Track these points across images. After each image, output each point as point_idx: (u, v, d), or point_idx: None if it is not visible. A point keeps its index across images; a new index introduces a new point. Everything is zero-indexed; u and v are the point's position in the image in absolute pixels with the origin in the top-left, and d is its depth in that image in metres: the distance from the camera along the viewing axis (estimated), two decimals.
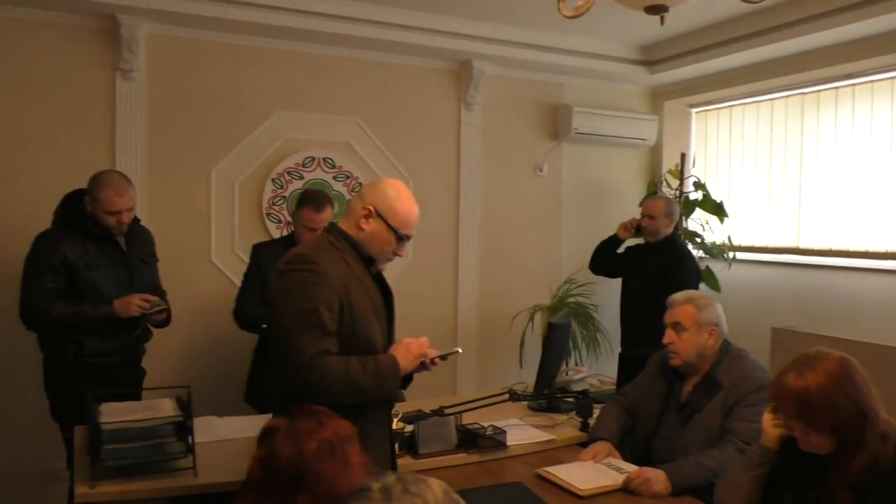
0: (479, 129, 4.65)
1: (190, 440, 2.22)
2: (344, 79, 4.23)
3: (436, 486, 0.99)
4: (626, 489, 2.16)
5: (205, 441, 2.41)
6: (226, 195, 3.99)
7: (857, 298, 4.06)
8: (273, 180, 4.08)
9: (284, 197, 4.10)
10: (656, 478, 2.15)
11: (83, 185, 3.66)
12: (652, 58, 4.75)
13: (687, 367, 2.43)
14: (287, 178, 4.11)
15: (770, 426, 1.89)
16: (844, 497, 1.69)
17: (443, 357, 2.07)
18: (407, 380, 2.03)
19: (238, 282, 4.00)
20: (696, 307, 2.43)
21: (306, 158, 4.15)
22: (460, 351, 2.21)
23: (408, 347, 1.95)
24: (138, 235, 3.02)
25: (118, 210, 2.78)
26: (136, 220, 2.99)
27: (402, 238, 1.98)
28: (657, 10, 1.59)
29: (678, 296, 2.52)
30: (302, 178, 4.14)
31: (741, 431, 2.19)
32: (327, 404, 1.49)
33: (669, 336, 2.43)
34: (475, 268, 4.70)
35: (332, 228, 2.00)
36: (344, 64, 4.22)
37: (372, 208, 1.94)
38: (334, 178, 4.23)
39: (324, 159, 4.20)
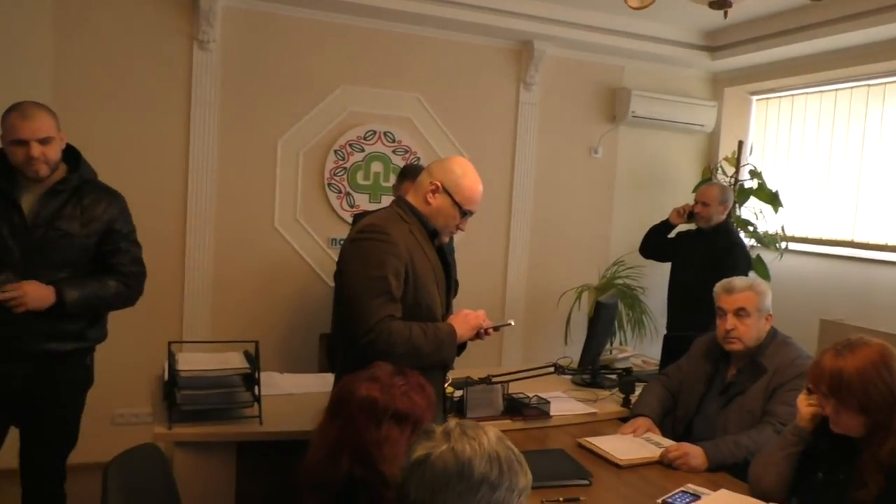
0: (537, 109, 4.72)
1: (256, 391, 2.40)
2: (407, 55, 4.34)
3: (490, 432, 1.12)
4: (664, 462, 2.27)
5: (268, 394, 2.59)
6: (290, 165, 4.17)
7: None
8: (335, 151, 4.23)
9: (346, 168, 4.26)
10: (694, 453, 2.25)
11: (159, 151, 3.91)
12: (714, 43, 4.73)
13: (742, 352, 2.50)
14: (349, 149, 4.26)
15: (804, 405, 1.96)
16: (875, 479, 1.77)
17: (496, 328, 2.21)
18: (461, 348, 2.17)
19: (300, 250, 4.21)
20: (757, 293, 2.49)
21: (368, 132, 4.29)
22: (512, 323, 2.33)
23: (465, 318, 2.09)
24: (88, 195, 2.40)
25: (24, 139, 2.22)
26: (94, 179, 2.48)
27: (465, 213, 2.10)
28: (722, 4, 1.66)
29: (739, 282, 2.56)
30: (363, 150, 4.29)
31: (781, 414, 2.26)
32: None
33: (732, 322, 2.47)
34: (526, 245, 4.79)
35: (401, 201, 2.13)
36: (408, 40, 4.33)
37: (439, 184, 2.07)
38: (393, 151, 4.36)
39: (384, 133, 4.33)
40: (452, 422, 1.13)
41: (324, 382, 2.99)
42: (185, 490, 2.06)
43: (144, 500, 1.90)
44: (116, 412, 3.84)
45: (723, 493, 2.02)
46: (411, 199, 2.13)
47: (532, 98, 4.68)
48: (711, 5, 1.68)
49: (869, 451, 1.79)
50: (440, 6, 4.07)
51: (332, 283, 4.02)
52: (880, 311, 4.12)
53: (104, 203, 2.44)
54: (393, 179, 4.34)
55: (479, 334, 2.14)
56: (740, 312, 2.49)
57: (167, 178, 3.91)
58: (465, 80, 4.52)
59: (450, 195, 2.07)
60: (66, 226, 2.35)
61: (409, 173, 3.31)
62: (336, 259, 4.11)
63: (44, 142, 2.27)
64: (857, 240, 4.41)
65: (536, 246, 4.82)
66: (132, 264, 2.49)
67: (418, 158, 4.35)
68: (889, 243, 4.23)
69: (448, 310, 2.19)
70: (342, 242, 4.14)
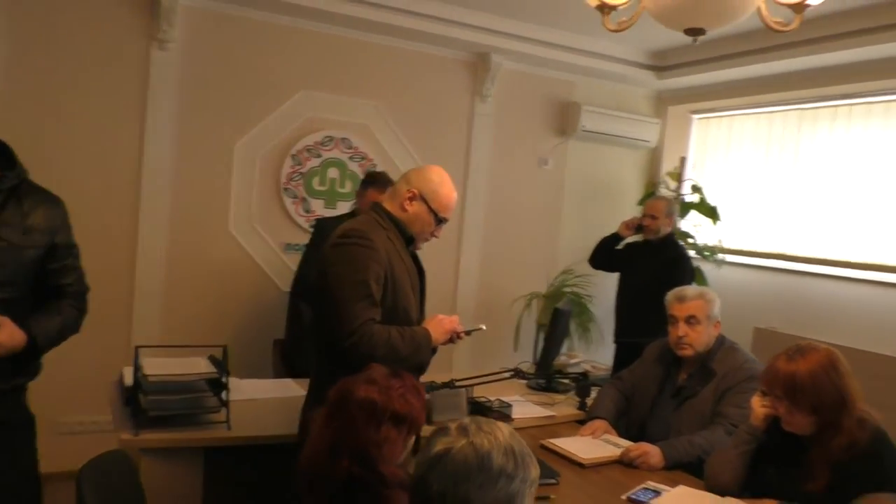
0: (491, 121, 4.83)
1: (224, 395, 2.40)
2: (367, 63, 4.39)
3: (503, 427, 1.19)
4: (624, 462, 2.38)
5: (232, 399, 2.59)
6: (247, 169, 4.14)
7: (836, 305, 4.32)
8: (292, 156, 4.23)
9: (302, 173, 4.26)
10: (653, 452, 2.37)
11: (112, 151, 3.82)
12: (660, 63, 4.95)
13: (693, 357, 2.64)
14: (306, 155, 4.27)
15: (758, 407, 2.11)
16: (823, 474, 1.92)
17: (468, 332, 2.28)
18: (433, 351, 2.23)
19: (254, 255, 4.19)
20: (707, 301, 2.64)
21: (325, 138, 4.31)
22: (484, 328, 2.41)
23: (440, 322, 2.16)
24: (27, 198, 2.02)
25: None
26: (29, 180, 2.08)
27: (441, 221, 2.17)
28: (696, 31, 1.78)
29: (690, 291, 2.71)
30: (320, 156, 4.30)
31: (731, 415, 2.41)
32: None
33: (683, 329, 2.61)
34: (477, 253, 4.89)
35: (378, 208, 2.18)
36: (368, 49, 4.37)
37: (416, 192, 2.13)
38: (350, 158, 4.39)
39: (342, 139, 4.36)
40: (466, 419, 1.19)
41: (284, 388, 3.01)
42: (151, 496, 2.05)
43: None
44: (60, 420, 3.72)
45: (681, 488, 2.15)
46: (387, 205, 2.19)
47: (487, 109, 4.79)
48: (687, 31, 1.80)
49: (818, 447, 1.94)
50: (400, 16, 4.13)
51: (286, 289, 4.01)
52: (810, 319, 4.39)
53: (44, 209, 2.06)
54: (349, 186, 4.38)
55: (451, 338, 2.21)
56: (691, 320, 2.63)
57: (120, 179, 3.83)
58: (423, 90, 4.59)
59: (426, 203, 2.14)
60: (7, 234, 1.95)
61: (374, 181, 3.36)
62: (290, 264, 4.14)
63: None
64: (789, 253, 4.68)
65: (487, 254, 4.93)
66: (80, 283, 2.17)
67: (375, 165, 4.39)
68: (817, 256, 4.50)
69: (422, 313, 2.25)
70: (297, 248, 4.17)
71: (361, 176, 4.30)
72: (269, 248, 4.22)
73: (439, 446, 1.13)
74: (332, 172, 4.36)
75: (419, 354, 2.09)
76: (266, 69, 4.11)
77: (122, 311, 3.89)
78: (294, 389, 2.95)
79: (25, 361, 1.99)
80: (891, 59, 3.96)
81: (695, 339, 2.62)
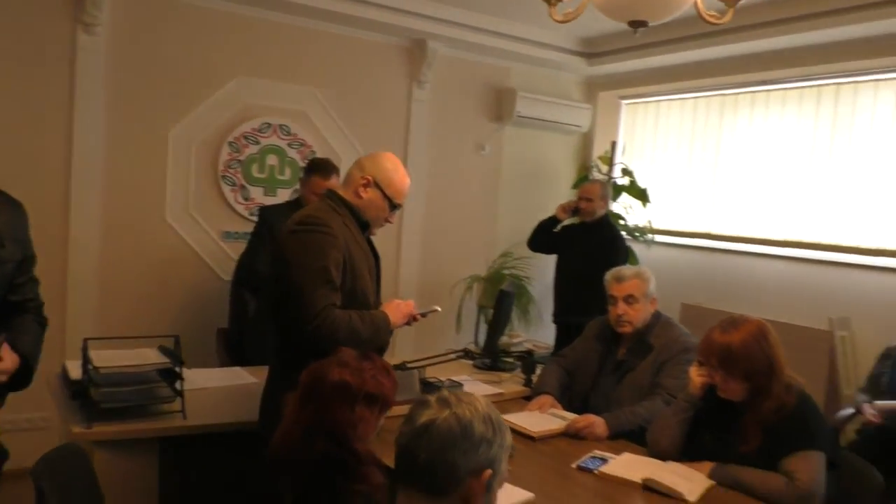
0: (429, 107, 4.88)
1: (178, 385, 2.40)
2: (303, 49, 4.36)
3: (480, 397, 1.27)
4: (570, 433, 2.50)
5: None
6: (182, 156, 4.06)
7: (758, 280, 4.60)
8: (230, 144, 4.18)
9: (240, 161, 4.21)
10: (598, 423, 2.50)
11: (38, 139, 3.68)
12: (591, 50, 5.10)
13: (632, 333, 2.78)
14: (243, 142, 4.22)
15: (695, 376, 2.27)
16: (755, 435, 2.09)
17: (423, 315, 2.34)
18: (390, 333, 2.29)
19: (193, 244, 4.12)
20: (643, 280, 2.78)
21: (263, 124, 4.27)
22: (439, 309, 2.48)
23: (398, 306, 2.22)
24: None
25: None
26: None
27: (395, 206, 2.22)
28: (639, 24, 1.89)
29: (627, 271, 2.85)
30: (258, 143, 4.26)
31: (669, 386, 2.56)
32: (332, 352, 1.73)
33: (622, 307, 2.74)
34: (417, 238, 4.95)
35: (332, 195, 2.21)
36: (304, 34, 4.34)
37: (371, 178, 2.18)
38: (289, 144, 4.37)
39: (280, 126, 4.32)
40: (444, 391, 1.26)
41: (235, 376, 3.01)
42: (107, 488, 2.04)
43: (77, 501, 1.88)
44: None
45: (626, 455, 2.28)
46: (342, 192, 2.22)
47: (424, 95, 4.83)
48: (630, 24, 1.90)
49: (750, 412, 2.11)
50: (336, 1, 4.12)
51: (227, 278, 3.98)
52: (733, 295, 4.66)
53: (10, 216, 1.95)
54: (289, 173, 4.36)
55: (408, 321, 2.28)
56: (629, 299, 2.77)
57: (48, 168, 3.70)
58: (361, 76, 4.60)
59: (381, 189, 2.18)
60: None
61: (318, 168, 3.37)
62: (231, 253, 4.10)
63: None
64: (713, 231, 4.94)
65: (428, 238, 4.99)
66: (39, 297, 2.08)
67: (314, 152, 4.38)
68: (739, 235, 4.77)
69: (378, 297, 2.30)
70: (237, 236, 4.14)
71: (301, 163, 4.30)
72: (208, 236, 4.17)
73: (423, 418, 1.20)
74: (271, 159, 4.32)
75: (378, 337, 2.14)
76: (199, 54, 4.03)
77: (55, 306, 3.71)
78: (244, 377, 2.96)
79: (20, 384, 1.94)
80: (804, 48, 4.22)
81: (633, 316, 2.76)
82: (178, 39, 3.97)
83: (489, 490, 1.21)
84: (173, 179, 4.05)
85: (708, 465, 2.15)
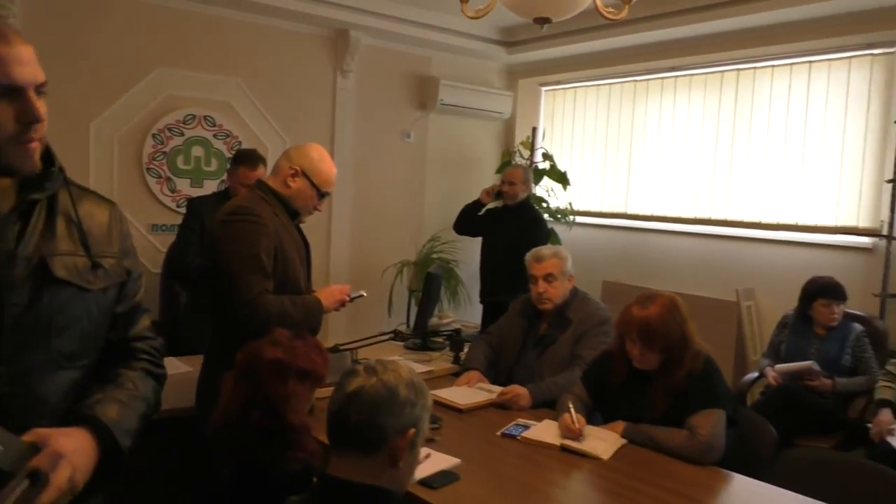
0: (354, 96, 4.95)
1: None
2: (226, 39, 4.36)
3: (403, 365, 1.40)
4: (497, 404, 2.66)
5: None
6: (105, 149, 4.02)
7: (671, 256, 4.89)
8: (153, 136, 4.15)
9: (165, 152, 4.20)
10: (522, 393, 2.67)
11: None
12: (510, 39, 5.27)
13: (552, 309, 2.96)
14: (168, 134, 4.20)
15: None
16: (663, 400, 2.30)
17: (352, 299, 2.46)
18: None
19: None
20: (560, 259, 2.95)
21: (187, 116, 4.26)
22: (365, 294, 2.59)
23: (331, 292, 2.33)
24: (80, 205, 1.26)
25: (19, 83, 1.10)
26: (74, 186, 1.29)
27: (323, 195, 2.32)
28: (543, 20, 2.03)
29: (546, 251, 3.00)
30: (183, 134, 4.25)
31: (586, 356, 2.74)
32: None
33: (542, 286, 2.90)
34: (347, 225, 5.03)
35: (262, 185, 2.29)
36: (227, 24, 4.34)
37: (298, 168, 2.26)
38: (214, 136, 4.37)
39: (204, 117, 4.32)
40: (371, 361, 1.38)
41: (168, 365, 3.03)
42: None
43: None
44: None
45: (546, 422, 2.45)
46: (271, 182, 2.30)
47: (348, 85, 4.90)
48: (536, 20, 2.04)
49: (660, 379, 2.31)
50: None
51: (155, 270, 3.97)
52: (649, 271, 4.94)
53: (103, 222, 1.30)
54: (215, 164, 4.36)
55: (337, 306, 2.39)
56: (549, 277, 2.94)
57: None
58: (285, 66, 4.63)
59: (309, 179, 2.28)
60: (68, 273, 1.19)
61: (245, 159, 3.41)
62: (159, 245, 4.09)
63: (41, 92, 1.15)
64: (629, 211, 5.21)
65: (357, 225, 5.08)
66: (152, 332, 1.41)
67: (240, 143, 4.40)
68: (654, 214, 5.05)
69: (309, 283, 2.40)
70: (165, 228, 4.13)
71: (227, 154, 4.32)
72: (135, 229, 4.14)
73: (353, 385, 1.32)
74: (197, 151, 4.32)
75: (311, 320, 2.24)
76: (118, 45, 3.99)
77: None
78: (178, 366, 2.99)
79: (109, 481, 1.18)
80: (707, 37, 4.49)
81: (553, 293, 2.94)
82: (96, 29, 3.91)
83: (413, 447, 1.34)
84: (96, 172, 4.00)
85: (621, 426, 2.34)
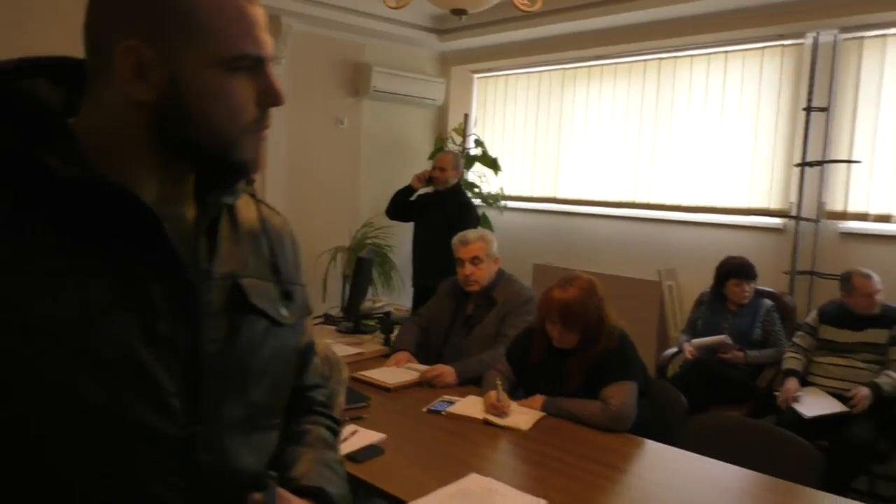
0: (286, 82, 4.91)
1: None
2: None
3: (320, 342, 1.46)
4: (424, 383, 2.75)
5: None
6: None
7: (599, 239, 5.06)
8: None
9: None
10: (447, 371, 2.76)
11: None
12: (442, 27, 5.33)
13: (478, 290, 3.05)
14: None
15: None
16: (577, 375, 2.43)
17: None
18: None
19: None
20: (486, 242, 3.06)
21: None
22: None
23: None
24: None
25: (264, 53, 0.83)
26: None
27: None
28: (460, 11, 2.10)
29: (472, 234, 3.10)
30: None
31: (511, 334, 2.86)
32: None
33: (469, 268, 3.00)
34: (281, 211, 5.00)
35: None
36: None
37: None
38: None
39: None
40: None
41: None
42: None
43: None
44: None
45: (470, 397, 2.56)
46: None
47: (281, 71, 4.87)
48: (452, 11, 2.12)
49: (575, 356, 2.43)
50: None
51: None
52: (577, 253, 5.10)
53: (288, 235, 1.08)
54: None
55: None
56: (475, 260, 3.04)
57: None
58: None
59: None
60: (261, 301, 0.92)
61: None
62: None
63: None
64: (559, 196, 5.36)
65: (291, 211, 5.00)
66: (325, 383, 1.18)
67: None
68: (582, 198, 5.21)
69: None
70: None
71: None
72: None
73: None
74: None
75: None
76: None
77: None
78: None
79: None
80: (631, 26, 4.65)
81: (480, 275, 3.04)
82: None
83: None
84: None
85: (540, 400, 2.46)
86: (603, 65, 5.07)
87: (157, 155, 0.81)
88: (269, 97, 0.84)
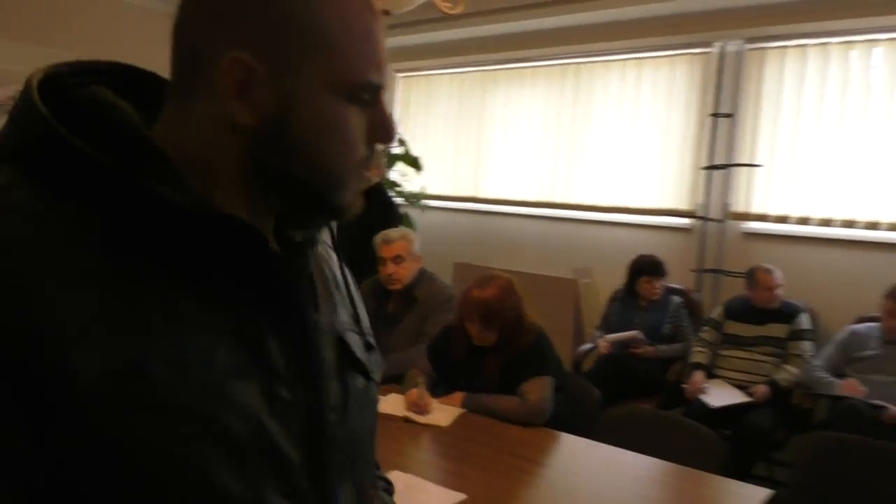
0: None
1: None
2: (62, 12, 4.10)
3: None
4: None
5: None
6: None
7: (518, 238, 5.16)
8: None
9: None
10: None
11: None
12: None
13: (401, 289, 3.07)
14: None
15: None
16: (494, 372, 2.48)
17: None
18: None
19: None
20: (408, 241, 3.08)
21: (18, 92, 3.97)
22: None
23: None
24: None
25: (383, 81, 0.71)
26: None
27: None
28: (384, 13, 2.12)
29: (394, 234, 3.12)
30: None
31: (432, 333, 2.89)
32: None
33: (392, 267, 3.02)
34: None
35: None
36: None
37: None
38: None
39: None
40: None
41: None
42: None
43: None
44: None
45: (392, 395, 2.57)
46: None
47: None
48: None
49: (494, 354, 2.49)
50: None
51: None
52: (497, 252, 5.19)
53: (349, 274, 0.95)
54: None
55: None
56: (397, 259, 3.07)
57: None
58: (125, 43, 4.41)
59: None
60: (357, 347, 0.81)
61: None
62: None
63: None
64: (479, 195, 5.43)
65: None
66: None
67: None
68: (502, 197, 5.30)
69: None
70: None
71: None
72: None
73: None
74: None
75: None
76: None
77: None
78: None
79: None
80: (551, 31, 4.77)
81: (403, 274, 3.07)
82: None
83: None
84: None
85: (459, 396, 2.50)
86: (524, 67, 5.18)
87: (245, 186, 0.66)
88: (381, 133, 0.70)
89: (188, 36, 0.65)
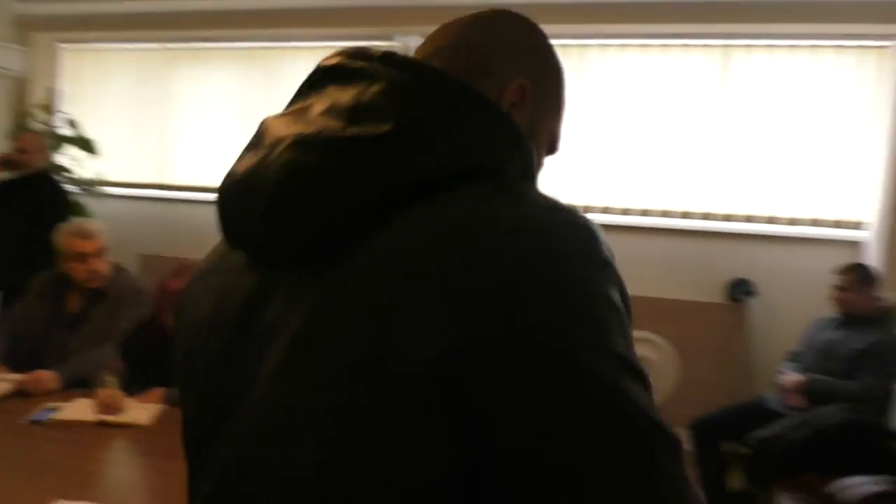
0: None
1: None
2: None
3: None
4: (23, 393, 2.45)
5: None
6: None
7: (209, 227, 4.95)
8: None
9: None
10: (47, 377, 2.50)
11: None
12: None
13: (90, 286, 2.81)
14: None
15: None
16: None
17: None
18: None
19: None
20: (104, 233, 2.86)
21: None
22: None
23: None
24: None
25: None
26: None
27: None
28: None
29: (91, 226, 2.86)
30: None
31: (124, 328, 2.70)
32: None
33: (94, 263, 2.77)
34: None
35: None
36: None
37: None
38: None
39: None
40: None
41: None
42: None
43: None
44: None
45: (79, 400, 2.37)
46: None
47: None
48: None
49: None
50: None
51: None
52: (191, 241, 4.95)
53: None
54: None
55: None
56: (100, 252, 2.82)
57: None
58: None
59: None
60: None
61: None
62: None
63: None
64: (167, 182, 5.12)
65: None
66: None
67: None
68: (192, 184, 5.05)
69: None
70: None
71: None
72: None
73: None
74: None
75: None
76: None
77: None
78: None
79: None
80: (235, 12, 4.67)
81: (104, 268, 2.83)
82: None
83: None
84: None
85: (159, 393, 2.40)
86: (211, 49, 4.99)
87: None
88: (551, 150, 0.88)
89: (485, 50, 0.79)
